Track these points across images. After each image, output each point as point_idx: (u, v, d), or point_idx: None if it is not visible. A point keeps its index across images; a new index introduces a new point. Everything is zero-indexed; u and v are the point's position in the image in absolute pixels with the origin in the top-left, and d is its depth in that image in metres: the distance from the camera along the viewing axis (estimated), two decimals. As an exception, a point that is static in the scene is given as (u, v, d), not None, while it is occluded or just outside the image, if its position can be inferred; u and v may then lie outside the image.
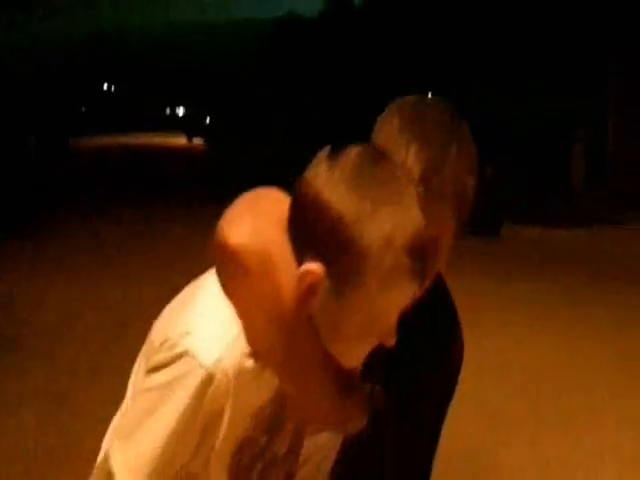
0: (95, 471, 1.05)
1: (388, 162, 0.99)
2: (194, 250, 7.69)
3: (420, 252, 0.96)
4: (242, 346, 0.97)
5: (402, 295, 0.99)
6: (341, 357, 1.02)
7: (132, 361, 1.12)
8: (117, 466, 0.98)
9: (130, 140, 36.10)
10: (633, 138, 10.93)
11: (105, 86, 50.79)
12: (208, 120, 35.63)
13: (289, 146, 18.89)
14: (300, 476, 1.28)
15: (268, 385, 1.02)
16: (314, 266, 0.92)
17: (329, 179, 0.94)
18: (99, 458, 1.09)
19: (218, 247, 0.99)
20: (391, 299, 0.98)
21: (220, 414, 0.98)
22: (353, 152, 0.96)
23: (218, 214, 1.08)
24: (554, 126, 11.60)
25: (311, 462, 1.32)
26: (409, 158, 1.13)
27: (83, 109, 41.85)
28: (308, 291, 0.94)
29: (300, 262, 0.94)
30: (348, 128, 15.91)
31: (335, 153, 0.97)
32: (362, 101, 15.69)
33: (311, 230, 0.94)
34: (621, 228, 9.81)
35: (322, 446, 1.32)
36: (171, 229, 9.36)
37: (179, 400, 0.94)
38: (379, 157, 0.99)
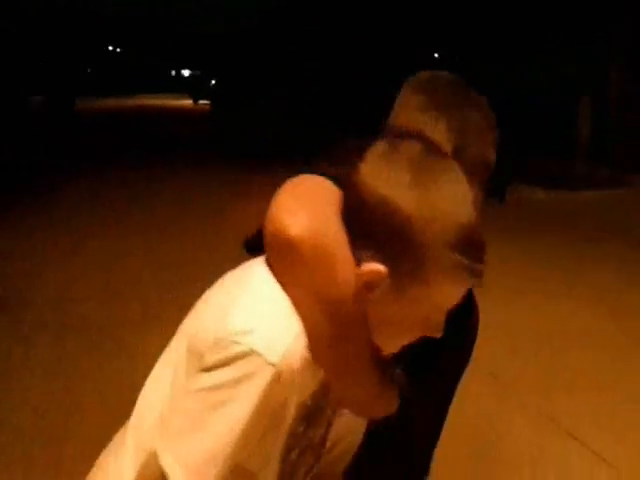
0: (141, 470, 1.04)
1: (445, 159, 1.01)
2: (195, 211, 7.75)
3: (478, 250, 0.98)
4: (304, 339, 0.97)
5: (458, 292, 1.02)
6: (384, 346, 1.06)
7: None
8: (172, 467, 0.96)
9: (135, 102, 35.79)
10: (635, 104, 10.88)
11: (110, 48, 50.28)
12: (214, 82, 35.26)
13: (293, 108, 18.71)
14: (327, 460, 1.33)
15: (316, 375, 1.03)
16: (378, 266, 0.95)
17: (392, 179, 0.95)
18: (126, 447, 1.09)
19: (276, 238, 0.98)
20: (447, 296, 1.01)
21: (284, 408, 0.99)
22: (412, 149, 0.98)
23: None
24: (557, 93, 11.47)
25: (339, 446, 1.37)
26: (438, 135, 1.14)
27: (89, 70, 41.48)
28: (367, 287, 0.97)
29: (357, 255, 0.97)
30: (353, 93, 15.72)
31: (392, 149, 0.98)
32: (367, 67, 15.44)
33: (373, 228, 0.95)
34: (624, 191, 9.79)
35: (349, 430, 1.36)
36: (172, 189, 9.35)
37: (248, 399, 0.93)
38: (437, 154, 1.00)
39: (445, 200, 0.95)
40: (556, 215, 8.52)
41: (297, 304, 0.97)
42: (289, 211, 0.98)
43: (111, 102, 34.59)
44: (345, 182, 1.01)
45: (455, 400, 1.52)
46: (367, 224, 0.96)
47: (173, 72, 52.79)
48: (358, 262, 0.97)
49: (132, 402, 1.16)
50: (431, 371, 1.32)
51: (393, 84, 1.35)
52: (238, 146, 14.94)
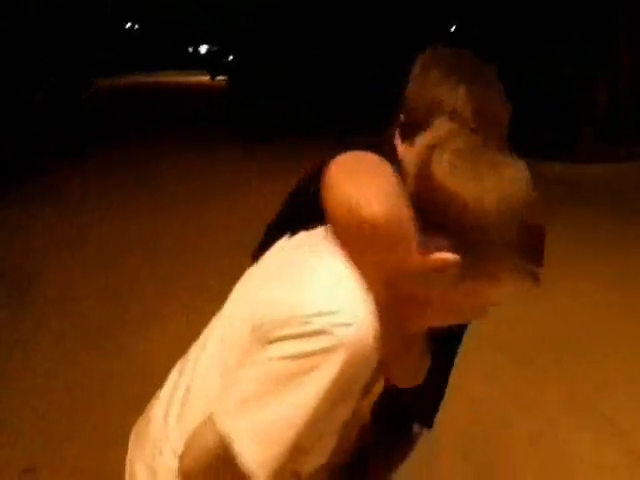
0: (192, 436, 1.05)
1: (504, 151, 1.02)
2: (208, 188, 7.75)
3: (540, 254, 1.02)
4: (376, 317, 1.00)
5: (513, 291, 1.04)
6: (423, 325, 1.12)
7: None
8: (238, 435, 0.97)
9: (152, 79, 35.91)
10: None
11: (128, 25, 50.23)
12: (231, 58, 35.12)
13: (311, 85, 18.61)
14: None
15: (379, 350, 1.05)
16: (451, 255, 0.98)
17: (462, 175, 0.97)
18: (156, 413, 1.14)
19: (353, 219, 0.99)
20: (502, 294, 1.05)
21: (355, 384, 1.02)
22: (472, 142, 1.02)
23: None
24: (573, 72, 11.36)
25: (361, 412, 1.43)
26: (459, 101, 1.24)
27: (106, 48, 41.57)
28: (436, 272, 1.00)
29: (428, 242, 0.99)
30: (369, 69, 15.56)
31: (448, 139, 1.02)
32: (383, 41, 15.33)
33: (447, 220, 0.98)
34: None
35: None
36: (181, 168, 9.38)
37: (324, 376, 0.95)
38: (488, 143, 1.03)
39: (515, 201, 0.98)
40: (575, 187, 8.45)
41: (370, 282, 1.00)
42: (365, 195, 0.99)
43: (129, 79, 34.72)
44: (405, 169, 1.05)
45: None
46: (440, 215, 0.98)
47: (190, 49, 52.66)
48: (427, 248, 0.99)
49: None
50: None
51: (410, 58, 1.38)
52: (254, 123, 14.91)
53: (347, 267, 1.01)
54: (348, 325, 0.95)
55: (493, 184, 0.97)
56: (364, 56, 16.66)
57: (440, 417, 1.53)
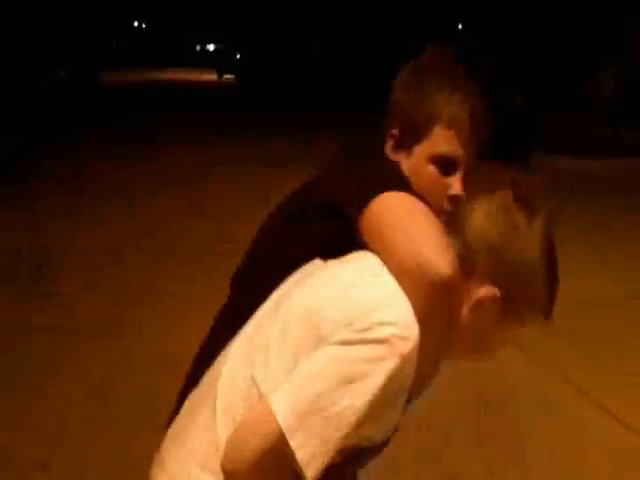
0: (241, 431, 1.09)
1: (530, 206, 1.15)
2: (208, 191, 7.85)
3: (555, 295, 1.18)
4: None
5: (530, 329, 1.19)
6: (456, 351, 1.23)
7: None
8: (293, 431, 1.04)
9: (160, 75, 35.96)
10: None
11: (135, 23, 50.39)
12: (239, 56, 35.16)
13: (318, 82, 18.64)
14: None
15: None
16: (492, 290, 1.13)
17: (503, 227, 1.12)
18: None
19: (423, 276, 1.08)
20: (523, 331, 1.20)
21: (397, 396, 1.11)
22: (505, 197, 1.14)
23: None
24: (578, 57, 11.36)
25: None
26: (456, 105, 1.33)
27: (114, 45, 41.66)
28: (478, 304, 1.14)
29: (475, 279, 1.14)
30: (373, 67, 15.47)
31: (488, 197, 1.14)
32: (386, 38, 15.36)
33: (495, 268, 1.13)
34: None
35: None
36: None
37: (377, 382, 1.03)
38: (523, 197, 1.15)
39: (544, 252, 1.14)
40: (583, 181, 8.46)
41: (424, 321, 1.09)
42: (437, 250, 1.09)
43: (136, 75, 34.78)
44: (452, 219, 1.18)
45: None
46: (490, 264, 1.13)
47: (198, 47, 52.77)
48: (470, 282, 1.14)
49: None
50: None
51: (414, 54, 1.44)
52: (260, 120, 15.01)
53: (400, 292, 1.10)
54: (406, 339, 1.04)
55: (532, 237, 1.13)
56: (365, 56, 16.68)
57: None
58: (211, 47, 49.97)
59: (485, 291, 1.12)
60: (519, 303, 1.15)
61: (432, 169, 1.33)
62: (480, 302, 1.13)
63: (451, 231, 1.15)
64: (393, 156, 1.37)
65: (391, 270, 1.12)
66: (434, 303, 1.09)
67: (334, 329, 1.05)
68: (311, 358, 1.06)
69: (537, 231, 1.13)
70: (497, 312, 1.14)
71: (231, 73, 33.78)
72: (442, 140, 1.32)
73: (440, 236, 1.12)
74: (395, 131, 1.37)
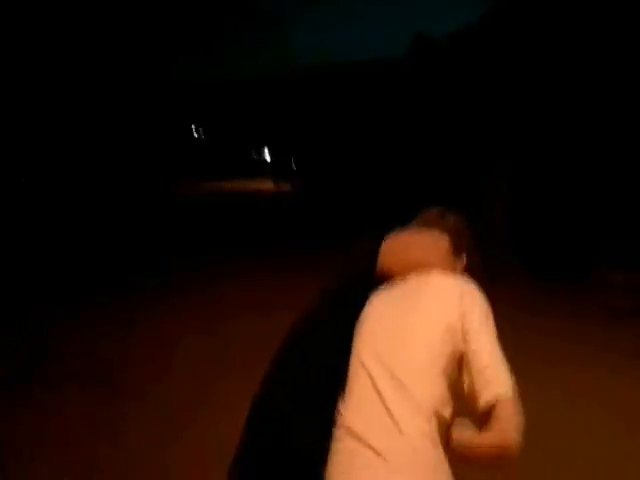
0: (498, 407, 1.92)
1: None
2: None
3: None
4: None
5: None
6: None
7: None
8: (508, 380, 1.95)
9: (222, 186, 37.89)
10: None
11: (195, 134, 52.92)
12: (294, 165, 36.26)
13: (375, 192, 19.08)
14: None
15: None
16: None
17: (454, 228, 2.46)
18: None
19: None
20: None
21: None
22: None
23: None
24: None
25: None
26: (453, 225, 2.44)
27: (179, 155, 43.64)
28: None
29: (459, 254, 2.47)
30: (441, 181, 15.38)
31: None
32: (452, 151, 15.64)
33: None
34: None
35: None
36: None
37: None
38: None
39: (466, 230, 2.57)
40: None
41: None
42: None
43: (201, 186, 36.30)
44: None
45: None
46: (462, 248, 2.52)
47: (254, 155, 54.83)
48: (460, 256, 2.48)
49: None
50: None
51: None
52: (318, 230, 15.90)
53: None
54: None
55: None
56: (423, 166, 16.88)
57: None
58: (267, 156, 51.91)
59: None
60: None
61: None
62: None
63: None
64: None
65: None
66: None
67: (466, 319, 2.12)
68: (477, 338, 2.04)
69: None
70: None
71: (287, 181, 34.87)
72: None
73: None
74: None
